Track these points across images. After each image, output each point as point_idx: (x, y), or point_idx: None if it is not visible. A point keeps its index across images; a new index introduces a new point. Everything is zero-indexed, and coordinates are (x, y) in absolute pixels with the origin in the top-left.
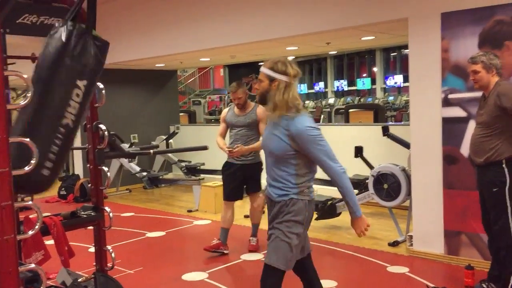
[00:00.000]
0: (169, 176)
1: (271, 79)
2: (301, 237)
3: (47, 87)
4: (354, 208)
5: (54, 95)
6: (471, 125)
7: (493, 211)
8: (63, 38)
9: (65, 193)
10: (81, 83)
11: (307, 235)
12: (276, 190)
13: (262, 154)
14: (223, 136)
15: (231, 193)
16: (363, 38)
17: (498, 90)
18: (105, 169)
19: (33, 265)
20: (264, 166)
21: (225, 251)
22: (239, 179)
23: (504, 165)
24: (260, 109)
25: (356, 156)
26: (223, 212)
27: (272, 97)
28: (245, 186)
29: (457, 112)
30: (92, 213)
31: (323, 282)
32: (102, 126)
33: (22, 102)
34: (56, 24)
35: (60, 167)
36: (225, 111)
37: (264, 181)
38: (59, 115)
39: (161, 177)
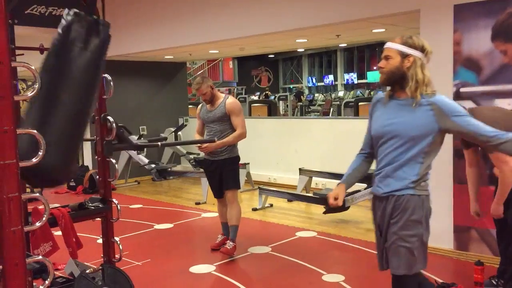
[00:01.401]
0: (178, 168)
1: (404, 55)
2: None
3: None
4: None
5: (82, 91)
6: None
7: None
8: (102, 37)
9: (74, 184)
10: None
11: None
12: (392, 182)
13: (240, 148)
14: (201, 133)
15: (218, 191)
16: (373, 31)
17: None
18: (113, 161)
19: (40, 257)
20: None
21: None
22: (218, 175)
23: None
24: (230, 101)
25: None
26: (218, 208)
27: (412, 75)
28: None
29: (468, 105)
30: (100, 205)
31: (330, 276)
32: (110, 118)
33: (30, 93)
34: (71, 18)
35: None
36: (199, 107)
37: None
38: (89, 111)
39: (169, 169)
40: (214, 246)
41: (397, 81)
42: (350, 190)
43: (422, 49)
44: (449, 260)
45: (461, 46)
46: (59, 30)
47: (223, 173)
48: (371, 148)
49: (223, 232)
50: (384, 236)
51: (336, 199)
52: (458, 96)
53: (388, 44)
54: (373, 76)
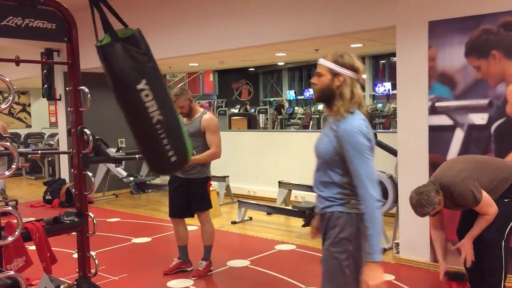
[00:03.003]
0: (157, 181)
1: (334, 74)
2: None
3: (121, 105)
4: (373, 248)
5: (128, 109)
6: (458, 134)
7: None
8: (102, 58)
9: (50, 198)
10: (142, 85)
11: None
12: (322, 200)
13: (212, 167)
14: None
15: (176, 210)
16: (351, 45)
17: None
18: (89, 174)
19: (12, 272)
20: (216, 182)
21: (188, 269)
22: (184, 194)
23: None
24: (206, 117)
25: None
26: (174, 230)
27: (339, 94)
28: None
29: (443, 120)
30: (76, 219)
31: None
32: (87, 131)
33: (4, 105)
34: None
35: (182, 149)
36: None
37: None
38: (147, 120)
39: (148, 182)
40: (167, 270)
41: (327, 99)
42: None
43: (353, 68)
44: (426, 272)
45: (436, 62)
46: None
47: (192, 194)
48: None
49: (180, 255)
50: None
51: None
52: (433, 111)
53: (320, 61)
54: None
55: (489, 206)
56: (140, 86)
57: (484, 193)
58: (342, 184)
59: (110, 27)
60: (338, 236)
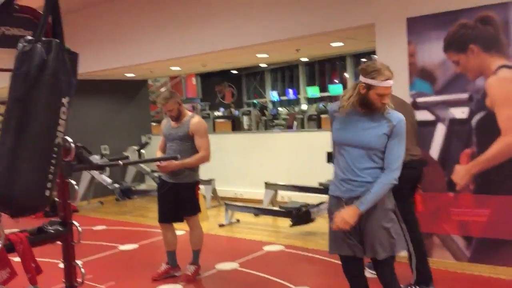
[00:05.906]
0: (142, 187)
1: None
2: None
3: (31, 109)
4: (366, 200)
5: (40, 117)
6: (440, 128)
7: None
8: (44, 56)
9: None
10: (65, 100)
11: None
12: (363, 184)
13: (205, 164)
14: (163, 150)
15: (165, 215)
16: (332, 44)
17: None
18: (73, 182)
19: None
20: (202, 186)
21: (177, 274)
22: (173, 199)
23: None
24: (195, 120)
25: (329, 161)
26: (163, 235)
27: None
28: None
29: (425, 115)
30: (60, 228)
31: None
32: (68, 138)
33: None
34: (23, 41)
35: (55, 185)
36: (163, 122)
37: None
38: (52, 136)
39: (133, 188)
40: (156, 276)
41: None
42: (315, 202)
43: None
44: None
45: (416, 58)
46: (44, 56)
47: (181, 199)
48: None
49: (168, 261)
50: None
51: None
52: (415, 106)
53: (392, 82)
54: (334, 89)
55: None
56: (64, 101)
57: None
58: (382, 167)
59: (62, 36)
60: (385, 209)
